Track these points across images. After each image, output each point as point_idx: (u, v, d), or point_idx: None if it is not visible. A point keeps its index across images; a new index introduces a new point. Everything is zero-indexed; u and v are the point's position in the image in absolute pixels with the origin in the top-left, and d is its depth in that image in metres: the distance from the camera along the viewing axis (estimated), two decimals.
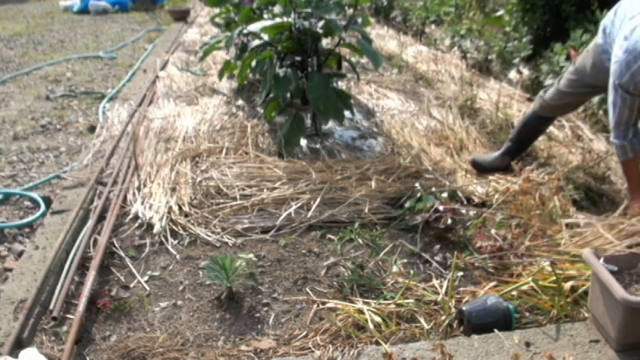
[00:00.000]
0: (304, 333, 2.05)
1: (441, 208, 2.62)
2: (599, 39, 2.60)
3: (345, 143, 3.73)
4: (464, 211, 2.71)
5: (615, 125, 2.43)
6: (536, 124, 3.12)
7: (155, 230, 2.72)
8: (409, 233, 2.65)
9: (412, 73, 5.39)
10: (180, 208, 2.87)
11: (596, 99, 3.65)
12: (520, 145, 3.19)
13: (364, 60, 5.59)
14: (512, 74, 4.84)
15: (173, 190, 3.04)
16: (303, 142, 3.63)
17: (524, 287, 2.14)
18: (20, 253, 2.66)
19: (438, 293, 2.18)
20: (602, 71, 2.52)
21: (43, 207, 3.10)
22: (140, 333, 2.09)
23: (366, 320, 2.04)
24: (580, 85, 2.78)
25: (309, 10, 3.44)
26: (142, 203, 2.94)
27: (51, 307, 2.19)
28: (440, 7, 6.84)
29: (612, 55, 2.37)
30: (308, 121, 3.80)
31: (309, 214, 2.79)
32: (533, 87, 4.50)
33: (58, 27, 9.38)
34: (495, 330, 1.92)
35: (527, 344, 1.87)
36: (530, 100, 4.30)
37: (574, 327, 1.95)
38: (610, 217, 2.45)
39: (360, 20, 3.71)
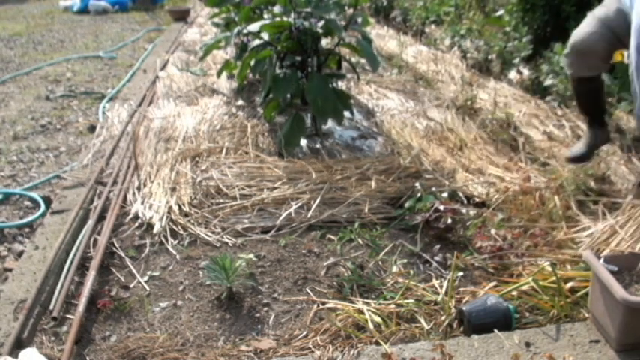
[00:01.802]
0: (304, 333, 2.05)
1: (441, 208, 2.62)
2: None
3: (345, 143, 3.74)
4: (464, 211, 2.70)
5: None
6: (585, 88, 2.81)
7: (155, 230, 2.72)
8: (409, 233, 2.66)
9: (412, 73, 5.39)
10: (180, 208, 2.87)
11: None
12: (595, 110, 2.87)
13: (364, 60, 5.59)
14: (512, 74, 4.85)
15: (173, 190, 3.04)
16: (303, 142, 3.63)
17: (524, 287, 2.14)
18: (20, 253, 2.66)
19: (438, 293, 2.18)
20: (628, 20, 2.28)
21: (43, 207, 3.10)
22: (140, 333, 2.09)
23: (366, 320, 2.04)
24: (605, 26, 2.49)
25: (308, 9, 3.44)
26: (142, 203, 2.94)
27: (51, 307, 2.19)
28: (440, 7, 6.84)
29: (633, 14, 2.18)
30: (308, 121, 3.81)
31: (309, 214, 2.79)
32: (533, 87, 4.50)
33: (58, 27, 9.38)
34: (495, 330, 1.92)
35: (527, 344, 1.87)
36: (528, 101, 4.31)
37: (574, 327, 1.95)
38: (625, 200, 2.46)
39: (360, 20, 3.72)
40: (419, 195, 2.83)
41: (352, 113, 3.98)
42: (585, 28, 2.59)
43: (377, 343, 1.93)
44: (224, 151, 3.51)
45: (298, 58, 3.66)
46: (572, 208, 2.68)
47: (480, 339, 1.90)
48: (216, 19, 5.14)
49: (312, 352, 1.92)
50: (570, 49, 2.66)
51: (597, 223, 2.47)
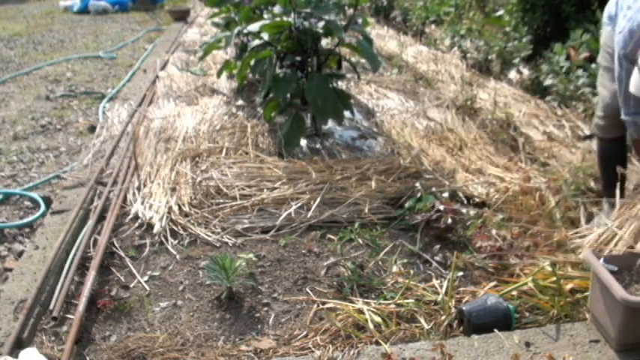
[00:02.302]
0: (304, 333, 2.05)
1: (441, 208, 2.62)
2: (607, 31, 2.47)
3: (345, 143, 3.74)
4: (464, 211, 2.70)
5: (624, 101, 2.29)
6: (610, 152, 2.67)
7: (155, 230, 2.72)
8: (409, 233, 2.66)
9: (412, 73, 5.39)
10: (180, 208, 2.87)
11: (596, 99, 3.65)
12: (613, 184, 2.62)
13: (364, 60, 5.59)
14: (512, 74, 4.85)
15: (173, 190, 3.04)
16: (303, 142, 3.63)
17: (524, 287, 2.14)
18: (20, 253, 2.66)
19: (438, 293, 2.18)
20: None
21: (43, 207, 3.10)
22: (140, 333, 2.09)
23: (366, 320, 2.04)
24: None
25: (308, 10, 3.44)
26: (142, 203, 2.94)
27: (51, 307, 2.19)
28: (440, 7, 6.85)
29: (616, 27, 2.26)
30: (308, 121, 3.81)
31: (309, 214, 2.79)
32: (533, 87, 4.50)
33: (58, 27, 9.39)
34: (495, 330, 1.92)
35: (527, 344, 1.87)
36: (528, 101, 4.31)
37: (574, 327, 1.95)
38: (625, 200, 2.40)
39: (360, 20, 3.72)
40: (419, 195, 2.83)
41: (352, 113, 3.98)
42: (609, 87, 2.48)
43: (377, 343, 1.93)
44: (224, 151, 3.51)
45: (298, 58, 3.66)
46: (573, 209, 2.68)
47: (480, 339, 1.90)
48: (216, 19, 5.14)
49: (312, 352, 1.92)
50: (604, 113, 2.56)
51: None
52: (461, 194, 2.93)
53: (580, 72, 3.88)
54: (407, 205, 2.80)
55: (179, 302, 2.26)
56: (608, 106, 2.51)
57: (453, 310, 2.07)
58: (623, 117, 2.33)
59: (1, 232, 2.91)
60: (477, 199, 2.90)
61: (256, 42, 3.65)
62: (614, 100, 2.46)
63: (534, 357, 1.81)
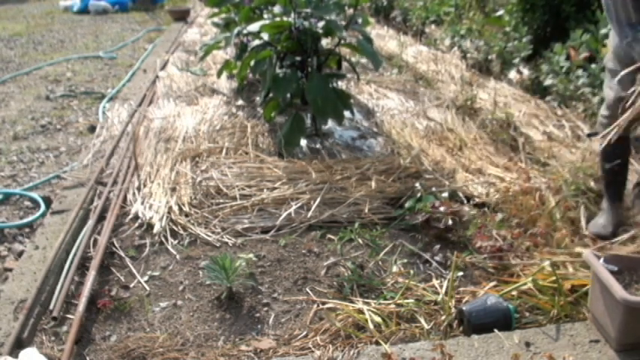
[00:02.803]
0: (304, 333, 2.05)
1: (441, 208, 2.62)
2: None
3: (345, 143, 3.74)
4: (464, 211, 2.70)
5: (619, 32, 2.33)
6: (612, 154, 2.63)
7: (155, 230, 2.72)
8: (409, 233, 2.66)
9: (412, 73, 5.39)
10: (180, 208, 2.87)
11: (596, 99, 3.65)
12: (622, 177, 2.67)
13: (364, 60, 5.59)
14: (512, 74, 4.85)
15: (173, 190, 3.04)
16: (303, 142, 3.63)
17: (524, 287, 2.14)
18: (20, 253, 2.66)
19: (438, 293, 2.18)
20: None
21: (43, 207, 3.10)
22: (140, 333, 2.09)
23: (366, 320, 2.04)
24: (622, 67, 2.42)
25: (308, 10, 3.44)
26: (142, 203, 2.94)
27: (51, 307, 2.19)
28: (440, 7, 6.85)
29: None
30: (308, 121, 3.81)
31: (309, 214, 2.79)
32: (533, 87, 4.50)
33: (58, 27, 9.39)
34: (495, 330, 1.92)
35: (527, 344, 1.87)
36: (528, 101, 4.31)
37: (574, 327, 1.95)
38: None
39: (360, 20, 3.72)
40: (419, 195, 2.84)
41: (352, 113, 3.98)
42: (614, 88, 2.46)
43: (377, 343, 1.93)
44: (224, 151, 3.51)
45: (298, 58, 3.66)
46: (573, 209, 2.68)
47: (480, 339, 1.90)
48: (216, 19, 5.14)
49: (312, 352, 1.92)
50: (609, 113, 2.53)
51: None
52: (461, 194, 2.93)
53: (580, 72, 3.88)
54: (407, 205, 2.81)
55: (179, 302, 2.26)
56: (612, 107, 2.52)
57: (453, 310, 2.07)
58: (623, 44, 2.34)
59: (1, 232, 2.92)
60: (477, 199, 2.90)
61: (256, 42, 3.65)
62: (619, 101, 2.47)
63: (534, 357, 1.81)
